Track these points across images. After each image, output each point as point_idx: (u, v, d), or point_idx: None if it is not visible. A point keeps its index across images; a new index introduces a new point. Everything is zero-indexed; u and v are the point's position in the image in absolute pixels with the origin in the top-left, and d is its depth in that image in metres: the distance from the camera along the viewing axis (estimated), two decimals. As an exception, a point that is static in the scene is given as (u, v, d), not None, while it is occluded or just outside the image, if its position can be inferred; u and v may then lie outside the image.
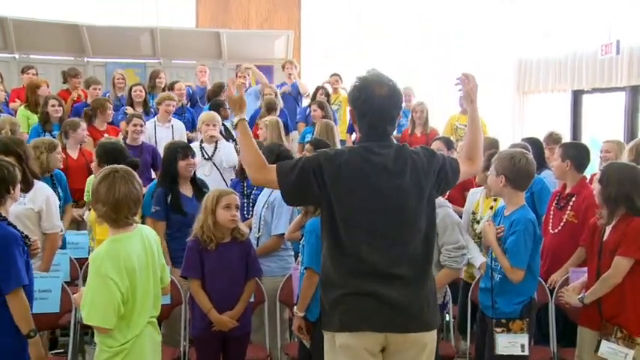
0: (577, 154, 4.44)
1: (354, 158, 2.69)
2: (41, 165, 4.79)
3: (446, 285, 3.83)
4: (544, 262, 4.21)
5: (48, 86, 7.66)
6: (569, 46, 9.93)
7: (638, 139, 5.38)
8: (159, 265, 3.01)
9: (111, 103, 7.06)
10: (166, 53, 10.70)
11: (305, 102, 8.94)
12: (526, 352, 3.52)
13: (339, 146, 5.94)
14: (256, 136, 6.69)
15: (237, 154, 5.49)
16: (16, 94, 8.16)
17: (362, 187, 2.66)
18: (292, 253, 4.47)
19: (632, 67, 8.67)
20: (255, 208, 4.58)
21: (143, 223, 3.69)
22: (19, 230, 3.21)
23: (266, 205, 4.36)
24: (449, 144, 5.06)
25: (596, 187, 3.66)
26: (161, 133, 6.92)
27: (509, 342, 3.50)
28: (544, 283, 4.15)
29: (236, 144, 5.91)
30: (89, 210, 4.63)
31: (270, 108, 7.51)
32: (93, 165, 4.69)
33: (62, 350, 4.74)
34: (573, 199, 4.38)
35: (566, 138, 7.92)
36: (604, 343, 3.45)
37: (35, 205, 4.18)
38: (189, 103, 8.46)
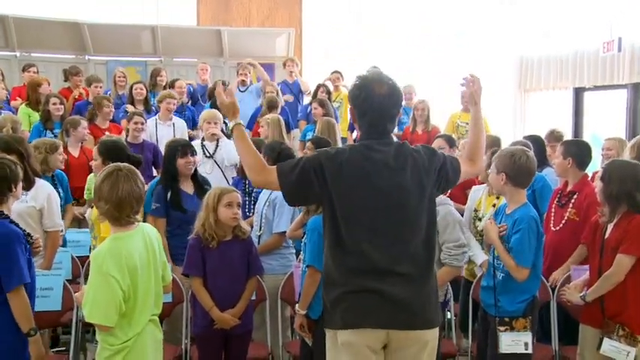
0: (579, 152, 4.43)
1: (355, 156, 2.69)
2: (42, 165, 4.79)
3: (447, 283, 3.83)
4: (545, 260, 4.19)
5: (49, 84, 7.65)
6: (571, 43, 9.91)
7: (640, 137, 5.37)
8: (160, 263, 3.01)
9: (109, 101, 7.04)
10: (167, 51, 10.68)
11: (306, 100, 8.94)
12: (530, 350, 3.52)
13: (340, 144, 5.94)
14: (257, 134, 6.71)
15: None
16: (17, 92, 8.15)
17: (363, 185, 2.66)
18: (293, 251, 4.47)
19: (633, 65, 8.66)
20: (256, 206, 4.58)
21: (144, 221, 3.70)
22: (21, 228, 3.21)
23: (267, 203, 4.36)
24: (450, 142, 5.06)
25: (597, 185, 3.66)
26: (162, 131, 6.93)
27: (513, 340, 3.50)
28: (545, 281, 4.15)
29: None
30: (90, 208, 4.63)
31: (272, 106, 7.50)
32: (93, 163, 4.68)
33: (64, 348, 4.75)
34: (575, 196, 4.37)
35: (568, 135, 7.92)
36: (606, 341, 3.45)
37: (37, 203, 4.18)
38: (189, 101, 8.46)
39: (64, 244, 4.71)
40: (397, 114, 2.79)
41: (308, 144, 4.80)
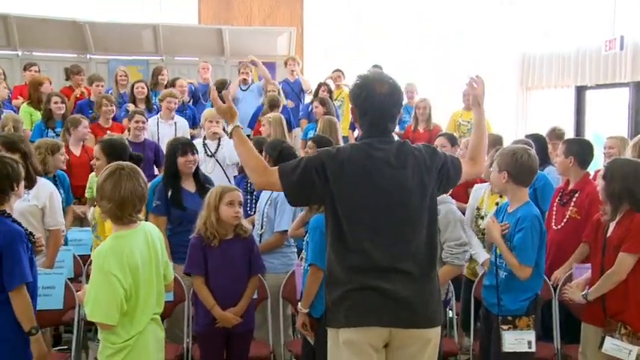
0: (580, 150, 4.43)
1: (357, 155, 2.70)
2: (43, 166, 4.79)
3: (448, 281, 3.83)
4: (547, 259, 4.18)
5: (50, 83, 7.65)
6: (573, 41, 9.91)
7: (642, 135, 5.36)
8: (162, 262, 3.00)
9: (108, 100, 7.02)
10: (169, 50, 10.68)
11: (307, 98, 8.94)
12: (533, 349, 3.51)
13: (341, 143, 5.93)
14: (259, 133, 6.70)
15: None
16: (19, 91, 8.16)
17: (364, 183, 2.66)
18: (295, 250, 4.47)
19: (635, 63, 8.66)
20: (258, 204, 4.57)
21: (147, 219, 3.70)
22: (23, 227, 3.21)
23: (269, 202, 4.36)
24: (452, 140, 5.06)
25: (600, 183, 3.65)
26: (164, 130, 6.93)
27: (516, 339, 3.50)
28: (547, 280, 4.15)
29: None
30: (93, 207, 4.63)
31: (273, 105, 7.50)
32: (94, 162, 4.68)
33: (66, 347, 4.75)
34: (576, 195, 4.37)
35: (570, 134, 7.92)
36: (608, 340, 3.45)
37: (39, 202, 4.19)
38: (191, 100, 8.46)
39: (66, 243, 4.71)
40: (398, 113, 2.80)
41: (309, 143, 4.79)
